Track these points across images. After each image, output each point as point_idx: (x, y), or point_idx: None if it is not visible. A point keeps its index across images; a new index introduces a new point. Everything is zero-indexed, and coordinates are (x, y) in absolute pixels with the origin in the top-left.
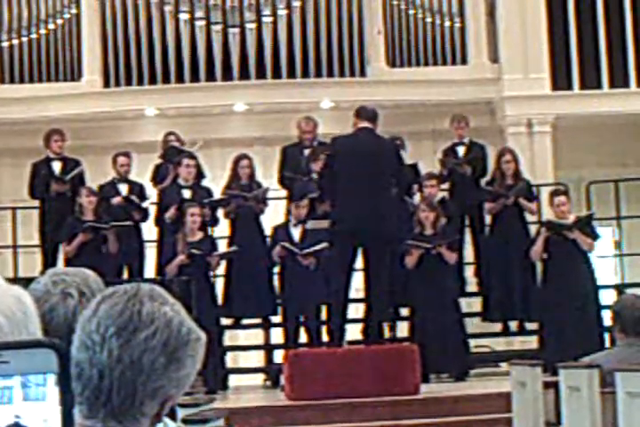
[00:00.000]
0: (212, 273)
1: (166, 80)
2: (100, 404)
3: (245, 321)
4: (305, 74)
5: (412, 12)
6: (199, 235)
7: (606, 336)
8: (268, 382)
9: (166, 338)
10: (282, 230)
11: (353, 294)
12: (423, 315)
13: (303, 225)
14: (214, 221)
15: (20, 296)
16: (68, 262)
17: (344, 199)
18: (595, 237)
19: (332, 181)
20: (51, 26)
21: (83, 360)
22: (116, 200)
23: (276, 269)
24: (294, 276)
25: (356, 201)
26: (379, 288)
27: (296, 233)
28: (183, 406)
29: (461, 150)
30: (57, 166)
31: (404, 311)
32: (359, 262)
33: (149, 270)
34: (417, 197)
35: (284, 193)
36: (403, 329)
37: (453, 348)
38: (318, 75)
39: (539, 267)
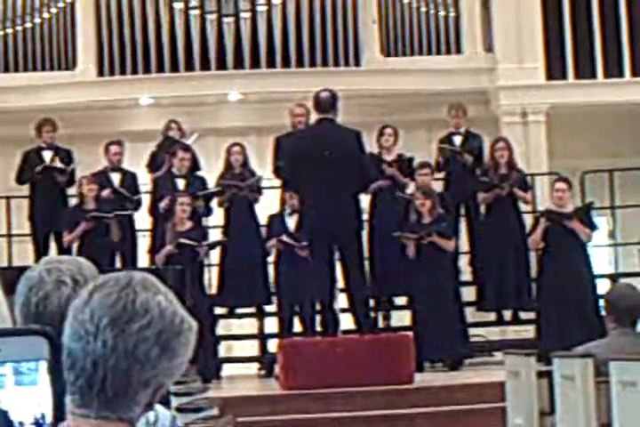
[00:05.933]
0: (200, 262)
1: (161, 69)
2: (93, 394)
3: (239, 310)
4: (299, 63)
5: (406, 1)
6: (188, 224)
7: None
8: (263, 372)
9: (160, 328)
10: (277, 219)
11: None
12: (423, 303)
13: (298, 214)
14: (208, 212)
15: None
16: (63, 251)
17: (308, 197)
18: (592, 227)
19: (291, 174)
20: (45, 15)
21: (76, 350)
22: (105, 193)
23: (271, 258)
24: (290, 265)
25: (320, 199)
26: (354, 281)
27: (291, 222)
28: (177, 394)
29: (458, 140)
30: (47, 156)
31: (402, 300)
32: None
33: (142, 259)
34: (412, 188)
35: (277, 182)
36: (402, 318)
37: (452, 336)
38: (313, 64)
39: (533, 256)
